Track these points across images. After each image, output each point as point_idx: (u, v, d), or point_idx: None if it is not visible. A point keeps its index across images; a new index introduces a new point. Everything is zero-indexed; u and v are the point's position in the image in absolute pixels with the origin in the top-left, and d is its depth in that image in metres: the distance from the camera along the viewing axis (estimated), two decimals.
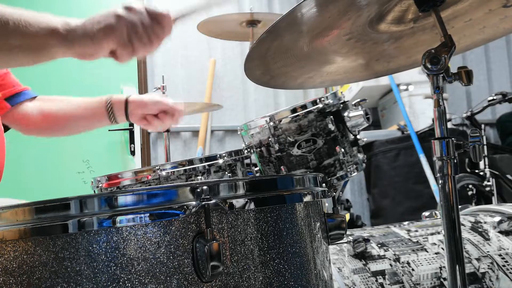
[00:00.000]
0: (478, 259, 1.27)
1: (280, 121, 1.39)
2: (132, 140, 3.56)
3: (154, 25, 0.99)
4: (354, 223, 3.05)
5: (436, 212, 1.56)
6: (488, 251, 1.29)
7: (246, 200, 0.72)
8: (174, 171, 1.36)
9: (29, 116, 1.47)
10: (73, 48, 0.96)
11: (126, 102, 1.44)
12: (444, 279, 1.23)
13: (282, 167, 1.40)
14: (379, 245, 1.29)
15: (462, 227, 1.30)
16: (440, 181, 0.92)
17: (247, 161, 1.52)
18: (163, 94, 2.16)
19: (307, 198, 0.81)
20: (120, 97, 1.46)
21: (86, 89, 3.30)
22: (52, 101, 1.51)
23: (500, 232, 1.34)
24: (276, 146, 1.39)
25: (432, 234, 1.35)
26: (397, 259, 1.25)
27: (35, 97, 1.51)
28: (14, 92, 1.46)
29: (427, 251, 1.28)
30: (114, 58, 1.02)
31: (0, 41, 0.91)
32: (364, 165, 1.48)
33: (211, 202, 0.68)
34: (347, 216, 2.97)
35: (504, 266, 1.26)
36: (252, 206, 0.72)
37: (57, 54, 0.96)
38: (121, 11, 0.97)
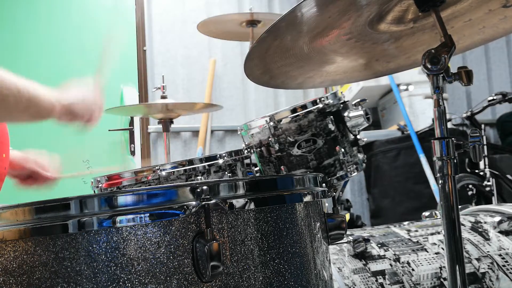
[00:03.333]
0: (478, 259, 1.27)
1: (280, 121, 1.39)
2: (132, 140, 3.55)
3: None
4: (354, 223, 3.05)
5: (436, 212, 1.56)
6: (488, 251, 1.29)
7: (246, 200, 0.72)
8: (174, 171, 1.36)
9: None
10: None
11: None
12: (444, 279, 1.23)
13: (282, 167, 1.41)
14: (379, 245, 1.29)
15: (462, 227, 1.30)
16: (440, 181, 0.92)
17: (247, 161, 1.52)
18: (163, 93, 2.15)
19: (307, 198, 0.81)
20: None
21: None
22: None
23: (500, 232, 1.34)
24: (276, 146, 1.39)
25: (432, 234, 1.35)
26: (397, 259, 1.25)
27: None
28: None
29: (427, 251, 1.28)
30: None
31: (13, 114, 1.07)
32: (364, 165, 1.48)
33: (211, 202, 0.68)
34: (347, 216, 2.97)
35: (504, 266, 1.26)
36: (252, 206, 0.72)
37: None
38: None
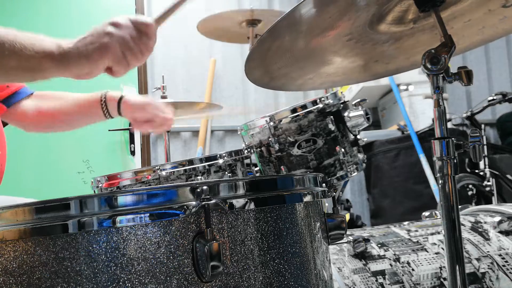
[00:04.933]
0: (478, 259, 1.27)
1: (280, 121, 1.39)
2: (132, 140, 3.55)
3: (142, 36, 1.02)
4: (354, 223, 3.05)
5: (436, 212, 1.56)
6: (488, 251, 1.29)
7: (246, 200, 0.72)
8: (174, 171, 1.36)
9: (27, 114, 1.47)
10: (69, 69, 0.98)
11: (120, 100, 1.45)
12: (444, 279, 1.23)
13: (282, 167, 1.40)
14: (379, 245, 1.29)
15: (462, 227, 1.30)
16: (440, 181, 0.92)
17: (247, 161, 1.52)
18: (163, 93, 2.16)
19: (307, 198, 0.81)
20: (115, 94, 1.47)
21: (86, 89, 3.30)
22: (48, 98, 1.52)
23: (500, 232, 1.34)
24: (276, 146, 1.39)
25: (432, 234, 1.35)
26: (397, 259, 1.25)
27: (32, 93, 1.51)
28: (10, 93, 1.45)
29: (427, 251, 1.28)
30: (110, 74, 1.04)
31: None
32: (364, 165, 1.48)
33: (211, 202, 0.68)
34: (347, 216, 2.97)
35: (504, 266, 1.26)
36: (252, 206, 0.72)
37: (52, 74, 0.99)
38: (110, 29, 0.98)
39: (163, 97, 2.14)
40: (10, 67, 0.94)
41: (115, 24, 0.99)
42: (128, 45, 0.99)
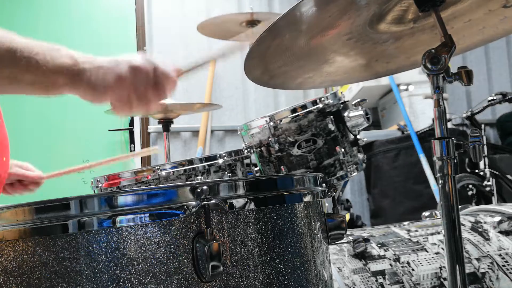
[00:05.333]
0: (478, 259, 1.27)
1: (280, 121, 1.39)
2: (132, 140, 3.55)
3: (158, 87, 0.97)
4: (354, 223, 3.05)
5: (436, 212, 1.56)
6: (488, 251, 1.29)
7: (246, 200, 0.72)
8: (174, 171, 1.36)
9: None
10: (78, 89, 0.95)
11: None
12: (444, 279, 1.23)
13: (282, 167, 1.40)
14: (379, 245, 1.29)
15: (462, 227, 1.30)
16: (440, 181, 0.92)
17: (247, 161, 1.52)
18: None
19: (307, 198, 0.81)
20: None
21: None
22: None
23: (500, 232, 1.34)
24: (276, 146, 1.39)
25: (432, 234, 1.35)
26: (397, 259, 1.25)
27: None
28: None
29: (427, 251, 1.28)
30: (112, 109, 1.01)
31: (11, 75, 0.90)
32: (364, 165, 1.48)
33: (211, 202, 0.68)
34: (347, 216, 2.97)
35: (504, 266, 1.26)
36: (252, 206, 0.72)
37: (65, 91, 0.96)
38: (126, 73, 0.94)
39: None
40: (26, 83, 0.91)
41: (135, 69, 0.94)
42: (137, 93, 0.95)
